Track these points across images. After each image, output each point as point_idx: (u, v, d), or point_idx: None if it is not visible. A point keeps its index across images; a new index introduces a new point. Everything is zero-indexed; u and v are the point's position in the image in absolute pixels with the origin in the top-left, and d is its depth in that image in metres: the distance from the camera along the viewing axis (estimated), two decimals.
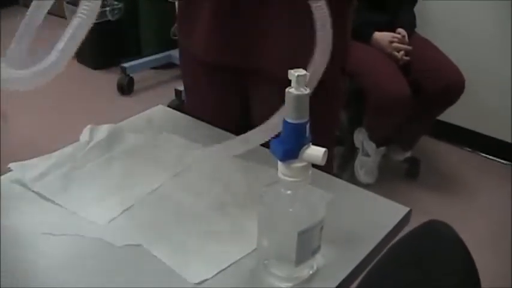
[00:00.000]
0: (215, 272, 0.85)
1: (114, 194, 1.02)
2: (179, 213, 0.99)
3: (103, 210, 0.98)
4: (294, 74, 0.74)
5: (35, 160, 1.09)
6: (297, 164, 0.78)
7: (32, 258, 0.88)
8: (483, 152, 3.00)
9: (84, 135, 1.15)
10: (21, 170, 1.05)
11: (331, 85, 1.18)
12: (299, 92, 0.75)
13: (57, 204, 0.99)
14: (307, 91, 0.75)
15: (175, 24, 3.75)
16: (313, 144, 0.79)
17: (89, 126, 1.17)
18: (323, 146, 0.78)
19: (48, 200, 1.00)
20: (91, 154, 1.12)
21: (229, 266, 0.87)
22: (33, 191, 1.02)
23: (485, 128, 2.98)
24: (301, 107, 0.76)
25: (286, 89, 0.75)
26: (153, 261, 0.88)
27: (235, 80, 1.27)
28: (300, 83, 0.74)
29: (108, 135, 1.15)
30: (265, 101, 1.09)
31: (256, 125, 1.28)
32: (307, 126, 0.77)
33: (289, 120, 0.76)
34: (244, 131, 1.28)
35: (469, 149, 3.05)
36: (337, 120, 1.34)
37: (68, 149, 1.12)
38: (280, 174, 0.79)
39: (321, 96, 1.10)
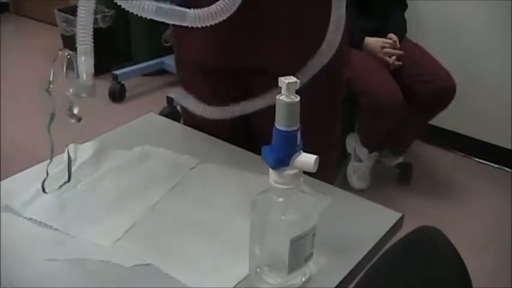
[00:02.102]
0: (233, 286, 0.85)
1: (113, 213, 1.00)
2: (183, 227, 0.98)
3: (105, 231, 0.96)
4: (284, 81, 0.74)
5: (19, 176, 1.07)
6: (289, 172, 0.78)
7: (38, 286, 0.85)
8: (475, 157, 3.01)
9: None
10: (7, 196, 1.02)
11: (334, 74, 1.19)
12: (290, 100, 0.75)
13: (55, 229, 0.96)
14: (298, 99, 0.75)
15: (167, 31, 3.73)
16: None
17: (72, 145, 1.15)
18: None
19: (43, 225, 0.97)
20: (79, 174, 1.08)
21: (244, 279, 0.86)
22: (24, 217, 0.98)
23: (477, 133, 2.99)
24: (292, 114, 0.75)
25: (277, 97, 0.75)
26: (166, 279, 0.86)
27: (235, 78, 1.26)
28: (290, 90, 0.74)
29: (93, 153, 1.13)
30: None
31: (256, 123, 1.28)
32: (298, 133, 0.77)
33: (280, 128, 0.76)
34: (241, 129, 1.28)
35: (462, 154, 3.05)
36: (339, 114, 1.34)
37: (54, 170, 1.08)
38: (272, 182, 0.79)
39: (323, 85, 1.10)
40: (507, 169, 2.90)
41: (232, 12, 0.88)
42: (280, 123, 0.76)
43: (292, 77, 0.75)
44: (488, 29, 2.81)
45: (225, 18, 0.88)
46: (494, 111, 2.89)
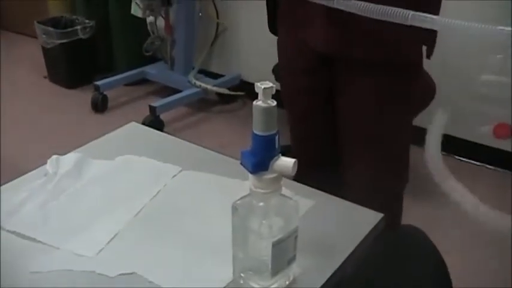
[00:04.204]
0: None
1: (96, 223, 1.01)
2: (166, 235, 0.98)
3: (89, 241, 0.96)
4: (260, 86, 0.75)
5: (1, 189, 1.07)
6: (268, 176, 0.78)
7: None
8: (456, 155, 3.03)
9: (51, 166, 1.14)
10: None
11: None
12: (266, 105, 0.76)
13: (38, 241, 0.96)
14: (274, 103, 0.76)
15: (148, 39, 3.75)
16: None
17: (54, 157, 1.15)
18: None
19: (26, 237, 0.97)
20: (62, 185, 1.10)
21: (228, 284, 0.86)
22: (7, 230, 0.99)
23: (457, 131, 3.01)
24: (269, 119, 0.76)
25: (254, 102, 0.76)
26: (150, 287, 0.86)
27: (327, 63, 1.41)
28: (266, 95, 0.75)
29: (75, 164, 1.14)
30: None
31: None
32: (276, 137, 0.78)
33: (257, 133, 0.77)
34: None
35: (443, 153, 3.07)
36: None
37: (36, 182, 1.10)
38: (251, 187, 0.80)
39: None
40: (489, 166, 2.93)
41: None
42: (257, 128, 0.77)
43: (267, 82, 0.76)
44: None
45: None
46: (475, 109, 2.91)
